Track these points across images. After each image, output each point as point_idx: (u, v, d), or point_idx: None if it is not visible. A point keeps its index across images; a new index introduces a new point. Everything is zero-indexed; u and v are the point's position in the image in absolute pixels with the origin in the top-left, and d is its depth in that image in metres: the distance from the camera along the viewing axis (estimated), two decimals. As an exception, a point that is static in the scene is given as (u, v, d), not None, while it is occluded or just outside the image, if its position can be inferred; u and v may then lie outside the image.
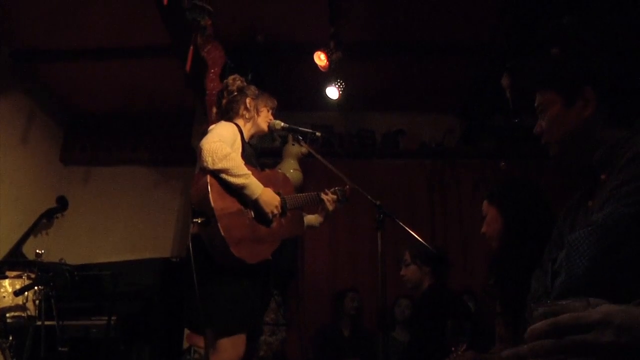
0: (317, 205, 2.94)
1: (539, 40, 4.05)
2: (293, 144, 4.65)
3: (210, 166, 2.38)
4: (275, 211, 2.52)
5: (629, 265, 1.12)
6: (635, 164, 1.20)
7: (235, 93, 2.76)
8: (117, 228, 5.39)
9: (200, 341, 3.42)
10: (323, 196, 2.92)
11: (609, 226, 1.15)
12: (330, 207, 2.92)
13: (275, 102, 2.90)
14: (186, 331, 4.12)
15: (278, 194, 2.65)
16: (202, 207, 2.41)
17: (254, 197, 2.46)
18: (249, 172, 2.47)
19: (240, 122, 2.73)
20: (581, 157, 1.40)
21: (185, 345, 4.18)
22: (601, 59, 1.42)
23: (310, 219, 2.94)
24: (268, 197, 2.51)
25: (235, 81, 2.81)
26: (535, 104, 1.49)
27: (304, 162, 4.81)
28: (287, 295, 4.76)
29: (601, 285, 0.91)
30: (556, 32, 3.83)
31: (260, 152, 4.52)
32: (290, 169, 4.71)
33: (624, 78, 1.40)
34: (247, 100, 2.75)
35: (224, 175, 2.40)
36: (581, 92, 1.37)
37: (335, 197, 2.96)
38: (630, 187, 1.18)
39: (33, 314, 2.87)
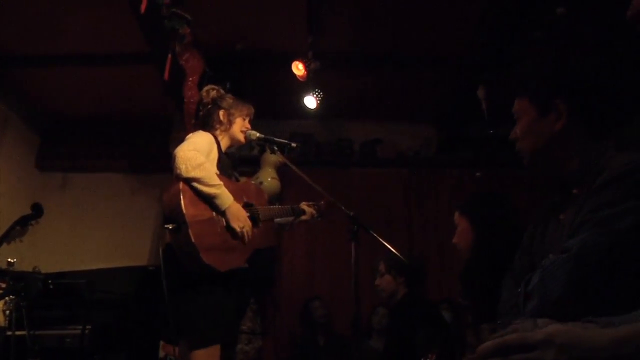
0: (290, 217, 2.96)
1: (512, 54, 4.14)
2: (271, 153, 4.67)
3: (184, 174, 2.38)
4: (242, 225, 2.51)
5: (600, 293, 1.15)
6: (612, 188, 1.21)
7: (210, 105, 2.76)
8: (94, 235, 5.35)
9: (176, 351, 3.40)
10: (305, 207, 2.98)
11: (583, 255, 1.17)
12: (307, 218, 2.97)
13: (252, 109, 2.88)
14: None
15: (251, 204, 2.66)
16: (173, 214, 2.40)
17: (223, 208, 2.47)
18: (221, 182, 2.47)
19: (216, 133, 2.73)
20: (553, 168, 1.41)
21: (162, 354, 4.16)
22: (574, 73, 1.41)
23: (285, 219, 2.98)
24: (236, 211, 2.50)
25: (209, 92, 2.80)
26: (513, 110, 1.49)
27: (283, 170, 4.83)
28: (263, 303, 4.75)
29: (573, 312, 0.94)
30: (528, 47, 3.91)
31: (238, 161, 4.55)
32: (268, 177, 4.73)
33: (597, 91, 1.38)
34: (221, 112, 2.74)
35: (195, 184, 2.40)
36: (554, 105, 1.36)
37: (313, 211, 3.00)
38: (604, 214, 1.19)
39: (3, 324, 2.83)
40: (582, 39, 3.64)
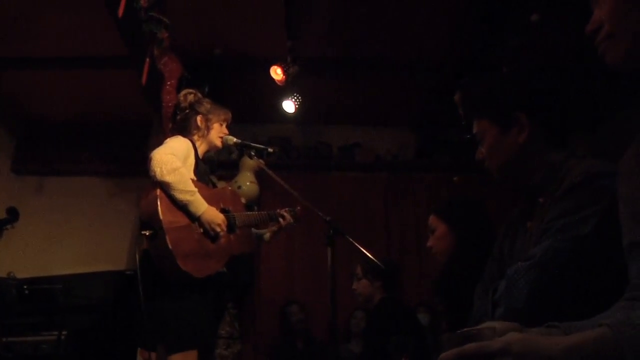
0: (267, 224, 2.97)
1: (490, 58, 4.19)
2: (249, 158, 4.68)
3: (158, 177, 2.38)
4: (218, 229, 2.52)
5: (564, 299, 1.19)
6: (572, 195, 1.26)
7: (187, 110, 2.75)
8: (71, 240, 5.29)
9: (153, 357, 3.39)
10: (281, 213, 2.99)
11: (546, 262, 1.21)
12: (284, 224, 2.98)
13: (229, 114, 2.88)
14: (140, 346, 4.07)
15: (227, 211, 2.67)
16: (150, 220, 2.40)
17: (197, 214, 2.47)
18: (195, 189, 2.47)
19: (194, 138, 2.73)
20: (521, 179, 1.45)
21: (139, 360, 4.13)
22: (531, 85, 1.48)
23: (260, 231, 2.99)
24: (211, 215, 2.51)
25: (186, 97, 2.79)
26: (474, 132, 1.53)
27: (262, 174, 4.83)
28: (242, 308, 4.75)
29: (539, 319, 0.98)
30: (506, 52, 3.98)
31: (217, 165, 4.54)
32: (247, 181, 4.73)
33: (555, 101, 1.45)
34: (198, 118, 2.74)
35: (168, 190, 2.40)
36: (515, 119, 1.41)
37: (291, 218, 3.01)
38: (565, 220, 1.23)
39: (-24, 331, 2.80)
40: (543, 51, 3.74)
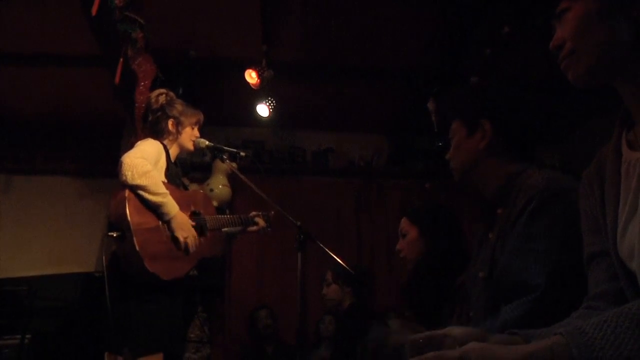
0: (238, 227, 2.95)
1: (462, 69, 4.26)
2: (221, 162, 4.67)
3: (129, 181, 2.36)
4: (185, 235, 2.51)
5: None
6: (533, 214, 1.29)
7: (159, 113, 2.71)
8: (39, 240, 5.19)
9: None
10: (254, 217, 2.97)
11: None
12: (256, 228, 2.98)
13: (202, 116, 2.85)
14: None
15: (198, 213, 2.65)
16: (119, 221, 2.38)
17: (168, 217, 2.46)
18: (167, 191, 2.45)
19: (165, 142, 2.70)
20: (477, 186, 1.50)
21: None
22: (498, 98, 1.54)
23: (233, 229, 2.98)
24: (181, 220, 2.50)
25: (158, 98, 2.75)
26: (450, 133, 1.59)
27: (234, 177, 4.81)
28: (212, 312, 4.72)
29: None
30: (477, 63, 4.05)
31: (190, 167, 4.51)
32: (219, 184, 4.71)
33: (519, 115, 1.51)
34: (169, 122, 2.71)
35: (140, 192, 2.38)
36: (480, 125, 1.47)
37: (263, 222, 3.00)
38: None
39: None
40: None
